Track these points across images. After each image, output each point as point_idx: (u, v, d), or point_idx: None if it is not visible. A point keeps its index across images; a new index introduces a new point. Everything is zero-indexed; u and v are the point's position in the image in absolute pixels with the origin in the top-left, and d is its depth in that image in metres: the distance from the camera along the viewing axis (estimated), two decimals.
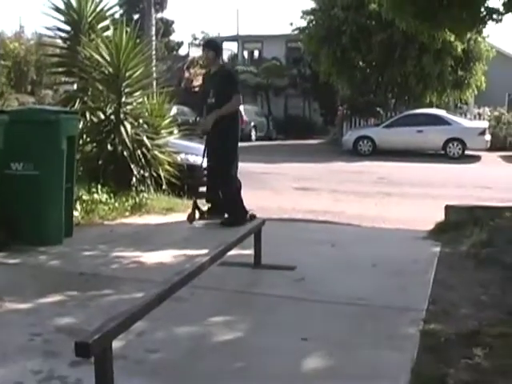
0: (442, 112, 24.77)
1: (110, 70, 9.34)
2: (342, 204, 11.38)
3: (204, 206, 8.10)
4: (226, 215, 7.88)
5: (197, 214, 7.89)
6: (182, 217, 8.20)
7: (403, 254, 6.53)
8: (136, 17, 34.83)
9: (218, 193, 7.91)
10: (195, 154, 10.42)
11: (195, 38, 44.69)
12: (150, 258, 6.13)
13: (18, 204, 6.46)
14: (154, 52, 14.42)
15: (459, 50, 25.26)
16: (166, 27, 49.36)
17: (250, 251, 5.70)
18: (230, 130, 7.78)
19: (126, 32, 9.39)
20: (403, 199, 12.19)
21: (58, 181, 6.65)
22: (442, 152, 22.92)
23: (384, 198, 12.33)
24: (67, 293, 4.95)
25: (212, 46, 8.14)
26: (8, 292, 4.93)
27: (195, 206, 7.91)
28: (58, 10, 9.90)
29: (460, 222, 7.54)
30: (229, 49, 44.62)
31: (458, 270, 5.90)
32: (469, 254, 6.38)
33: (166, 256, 6.19)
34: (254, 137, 30.79)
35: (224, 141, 7.72)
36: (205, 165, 8.17)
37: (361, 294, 5.01)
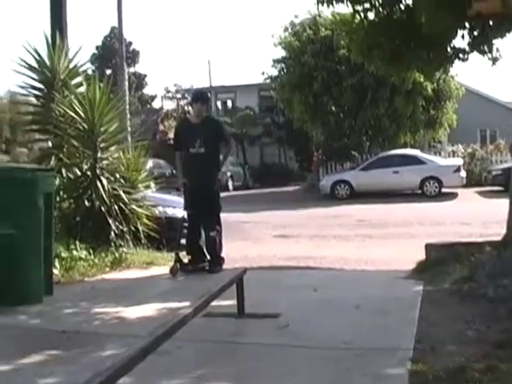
0: (416, 152, 25.07)
1: (85, 125, 9.37)
2: (323, 249, 11.38)
3: (185, 257, 8.09)
4: (209, 260, 8.03)
5: (179, 266, 7.89)
6: (163, 270, 8.17)
7: (386, 294, 6.53)
8: (109, 72, 35.11)
9: (199, 243, 7.97)
10: (173, 206, 10.48)
11: (168, 91, 45.01)
12: (133, 312, 6.06)
13: None
14: (127, 106, 14.50)
15: (429, 89, 25.69)
16: (139, 81, 49.80)
17: (233, 301, 5.65)
18: (216, 176, 8.17)
19: (100, 87, 9.44)
20: (383, 240, 12.23)
21: (36, 239, 6.59)
22: (419, 191, 23.15)
23: (364, 240, 12.37)
24: (50, 352, 4.86)
25: (205, 99, 8.52)
26: None
27: (177, 259, 7.92)
28: (30, 67, 9.90)
29: (441, 259, 7.57)
30: None
31: (442, 306, 5.91)
32: (452, 290, 6.39)
33: (149, 310, 6.12)
34: (231, 187, 30.88)
35: (213, 186, 8.09)
36: (185, 215, 8.23)
37: (346, 337, 4.98)
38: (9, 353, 4.85)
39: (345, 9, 9.48)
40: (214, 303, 4.82)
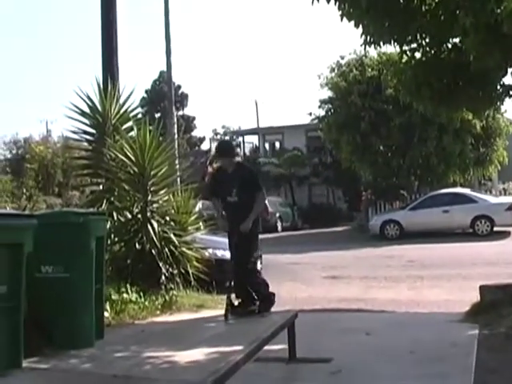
0: (466, 190, 24.71)
1: (136, 169, 9.48)
2: (374, 290, 11.23)
3: (235, 300, 8.06)
4: (258, 303, 7.99)
5: (230, 310, 7.86)
6: (213, 313, 8.14)
7: (441, 339, 6.37)
8: (157, 115, 35.68)
9: (246, 287, 7.94)
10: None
11: (216, 133, 45.53)
12: (183, 357, 6.02)
13: (49, 307, 6.42)
14: (176, 149, 14.62)
15: (478, 127, 25.44)
16: (188, 123, 50.53)
17: (283, 345, 5.58)
18: (254, 226, 8.06)
19: (150, 131, 9.57)
20: (435, 281, 12.00)
21: (88, 282, 6.63)
22: (471, 230, 22.71)
23: (416, 282, 12.15)
24: None
25: (225, 153, 8.36)
26: None
27: (229, 302, 7.91)
28: (83, 113, 10.10)
29: (496, 301, 7.38)
30: (250, 142, 45.33)
31: (500, 351, 5.73)
32: (508, 334, 6.21)
33: (199, 354, 6.07)
34: (279, 228, 30.80)
35: (249, 237, 8.00)
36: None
37: None
38: None
39: (391, 49, 9.50)
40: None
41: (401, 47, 9.20)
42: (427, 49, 9.18)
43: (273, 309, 8.15)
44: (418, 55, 9.39)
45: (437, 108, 10.31)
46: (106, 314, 7.55)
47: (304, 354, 5.63)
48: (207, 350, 6.21)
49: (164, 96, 26.15)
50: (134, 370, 5.60)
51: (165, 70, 18.64)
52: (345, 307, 9.32)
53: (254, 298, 8.07)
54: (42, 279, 6.43)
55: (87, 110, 10.13)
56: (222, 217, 8.29)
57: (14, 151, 35.94)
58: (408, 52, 9.32)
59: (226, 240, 10.35)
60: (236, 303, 8.03)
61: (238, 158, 8.76)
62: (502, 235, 21.72)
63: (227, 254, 9.43)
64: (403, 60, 9.61)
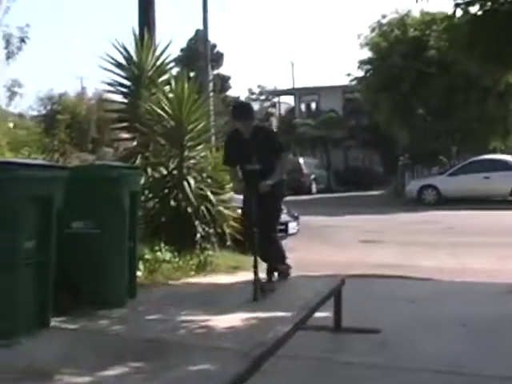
0: (509, 157, 24.01)
1: (172, 123, 9.11)
2: (413, 256, 10.80)
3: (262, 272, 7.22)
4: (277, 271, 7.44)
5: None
6: (250, 276, 7.78)
7: (494, 311, 5.94)
8: (191, 74, 35.26)
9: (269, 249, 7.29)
10: None
11: (252, 93, 45.00)
12: (219, 322, 5.67)
13: (79, 265, 6.14)
14: (212, 106, 14.29)
15: None
16: (223, 83, 50.02)
17: (325, 313, 5.17)
18: (277, 190, 7.23)
19: (188, 85, 9.19)
20: (476, 249, 11.52)
21: (120, 240, 6.34)
22: (510, 198, 22.10)
23: (457, 249, 11.68)
24: (131, 364, 4.53)
25: (242, 115, 7.21)
26: (66, 363, 4.55)
27: (258, 282, 6.76)
28: (119, 65, 9.81)
29: None
30: (286, 102, 44.82)
31: None
32: None
33: (236, 319, 5.72)
34: (314, 189, 30.55)
35: (272, 202, 7.18)
36: None
37: (453, 360, 4.47)
38: (89, 362, 4.55)
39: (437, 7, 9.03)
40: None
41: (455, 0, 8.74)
42: (484, 3, 8.68)
43: (316, 272, 7.70)
44: (472, 10, 8.92)
45: (486, 67, 9.84)
46: (139, 274, 7.27)
47: (348, 323, 5.27)
48: (245, 315, 5.86)
49: (199, 55, 25.87)
50: (166, 335, 5.28)
51: (200, 28, 18.29)
52: (385, 273, 8.91)
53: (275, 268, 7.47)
54: (72, 235, 6.13)
55: (123, 61, 9.82)
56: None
57: (48, 107, 35.82)
58: (462, 6, 8.84)
59: None
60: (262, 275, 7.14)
61: (256, 121, 7.67)
62: None
63: None
64: (457, 15, 9.13)
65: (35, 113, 36.41)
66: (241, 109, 7.62)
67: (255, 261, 6.75)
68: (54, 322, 5.47)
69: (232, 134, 7.46)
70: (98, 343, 5.12)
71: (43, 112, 36.06)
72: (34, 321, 5.29)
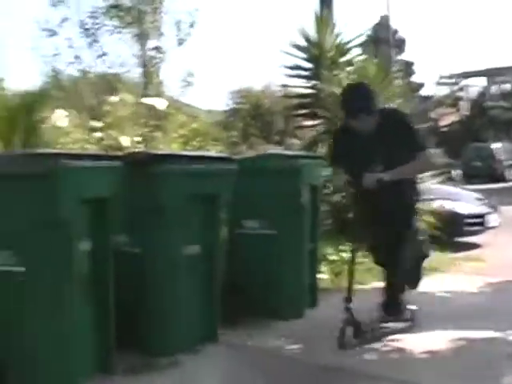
0: None
1: None
2: None
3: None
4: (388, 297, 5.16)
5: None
6: (448, 280, 6.69)
7: None
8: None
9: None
10: (455, 199, 9.62)
11: (441, 77, 43.01)
12: (416, 343, 4.65)
13: (252, 269, 5.45)
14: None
15: None
16: (406, 68, 48.34)
17: None
18: (409, 197, 5.12)
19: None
20: None
21: (299, 240, 5.55)
22: None
23: None
24: None
25: (362, 108, 4.70)
26: None
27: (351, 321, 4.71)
28: (298, 47, 9.31)
29: None
30: (475, 85, 42.32)
31: None
32: None
33: (437, 340, 4.68)
34: (509, 177, 28.59)
35: (408, 198, 5.10)
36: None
37: None
38: None
39: None
40: None
41: None
42: None
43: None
44: None
45: None
46: (323, 276, 6.41)
47: None
48: (448, 333, 4.79)
49: (380, 41, 25.10)
50: (352, 361, 4.32)
51: (384, 14, 17.64)
52: None
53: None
54: (243, 236, 5.47)
55: (303, 43, 9.28)
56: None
57: (237, 101, 36.50)
58: None
59: (458, 190, 9.27)
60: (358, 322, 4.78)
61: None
62: None
63: (458, 207, 9.28)
64: None
65: (226, 107, 37.28)
66: (357, 104, 4.72)
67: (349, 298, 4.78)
68: (222, 335, 4.72)
69: (340, 132, 5.29)
70: (270, 366, 4.32)
71: (231, 106, 36.80)
72: (199, 335, 4.60)
